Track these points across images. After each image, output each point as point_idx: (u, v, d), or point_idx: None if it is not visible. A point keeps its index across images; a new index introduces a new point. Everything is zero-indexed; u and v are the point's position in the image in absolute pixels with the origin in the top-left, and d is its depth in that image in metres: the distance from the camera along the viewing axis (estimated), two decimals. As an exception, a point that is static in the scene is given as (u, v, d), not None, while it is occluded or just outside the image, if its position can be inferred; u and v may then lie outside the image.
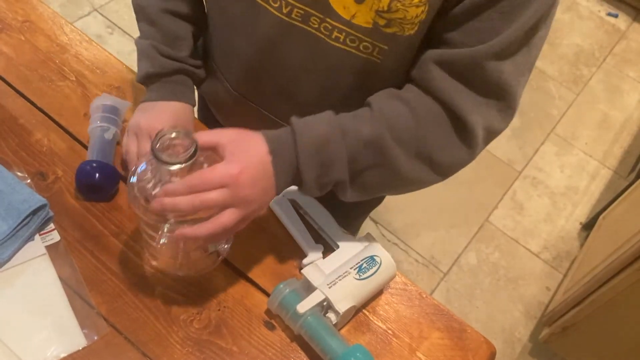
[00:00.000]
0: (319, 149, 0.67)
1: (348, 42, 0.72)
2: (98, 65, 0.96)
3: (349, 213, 0.92)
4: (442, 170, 0.73)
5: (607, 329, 1.58)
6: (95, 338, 0.70)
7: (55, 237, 0.76)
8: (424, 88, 0.71)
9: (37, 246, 0.75)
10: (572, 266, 1.98)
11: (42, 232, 0.76)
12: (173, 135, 0.63)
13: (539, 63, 2.55)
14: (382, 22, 0.68)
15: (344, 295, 0.74)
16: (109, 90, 0.93)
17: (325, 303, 0.73)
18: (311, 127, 0.68)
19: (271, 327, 0.75)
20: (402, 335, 0.78)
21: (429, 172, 0.72)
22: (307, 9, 0.70)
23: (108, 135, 0.84)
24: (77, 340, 0.69)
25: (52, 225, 0.77)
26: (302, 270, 0.76)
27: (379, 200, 1.13)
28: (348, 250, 0.79)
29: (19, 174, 0.80)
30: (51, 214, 0.77)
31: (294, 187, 0.81)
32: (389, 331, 0.78)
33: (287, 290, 0.73)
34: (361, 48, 0.72)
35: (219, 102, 0.95)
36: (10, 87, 0.90)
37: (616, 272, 1.46)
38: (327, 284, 0.73)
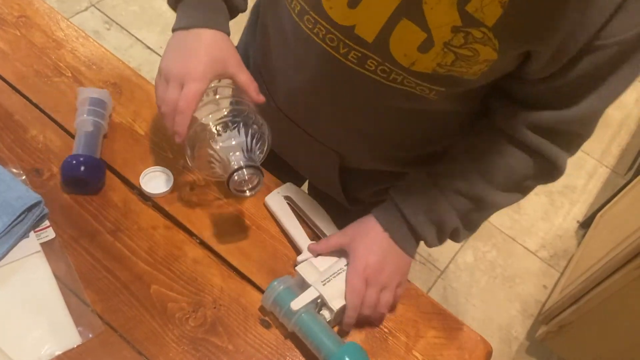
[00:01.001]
0: (426, 213, 0.77)
1: (405, 83, 0.70)
2: (94, 61, 0.95)
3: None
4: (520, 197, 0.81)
5: (603, 328, 1.59)
6: (90, 336, 0.69)
7: (50, 234, 0.76)
8: (514, 140, 0.74)
9: (31, 243, 0.74)
10: (569, 264, 1.98)
11: (37, 229, 0.76)
12: (246, 176, 0.70)
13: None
14: (442, 71, 0.66)
15: (339, 292, 0.73)
16: (105, 87, 0.93)
17: (319, 300, 0.73)
18: (411, 197, 0.78)
19: (267, 326, 0.75)
20: (399, 334, 0.78)
21: (520, 196, 0.80)
22: (365, 52, 0.68)
23: (94, 128, 0.83)
24: (72, 338, 0.69)
25: (47, 222, 0.77)
26: (296, 267, 0.76)
27: None
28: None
29: (14, 170, 0.80)
30: (46, 210, 0.76)
31: (288, 184, 0.83)
32: (385, 329, 0.78)
33: (281, 287, 0.73)
34: (417, 89, 0.70)
35: (262, 113, 0.92)
36: (5, 82, 0.90)
37: (613, 270, 1.46)
38: (322, 281, 0.73)
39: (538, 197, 2.15)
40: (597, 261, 1.60)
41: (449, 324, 0.80)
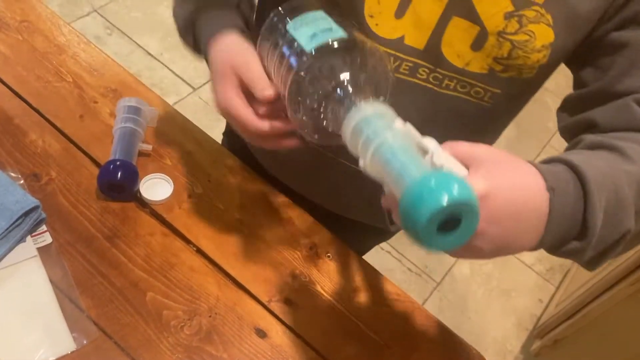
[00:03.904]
0: (609, 190, 0.51)
1: (459, 88, 0.68)
2: (95, 67, 0.96)
3: (364, 239, 0.89)
4: None
5: (598, 343, 1.59)
6: (85, 342, 0.69)
7: (47, 239, 0.76)
8: (633, 129, 0.61)
9: (28, 248, 0.74)
10: (565, 279, 1.98)
11: (33, 233, 0.76)
12: None
13: (536, 75, 2.56)
14: (498, 67, 0.64)
15: (454, 162, 0.49)
16: (106, 93, 0.93)
17: (428, 154, 0.50)
18: (590, 163, 0.52)
19: (262, 335, 0.75)
20: (394, 346, 0.78)
21: None
22: (416, 60, 0.66)
23: (131, 135, 0.85)
24: (66, 344, 0.69)
25: (44, 227, 0.77)
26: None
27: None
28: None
29: (12, 174, 0.80)
30: (43, 215, 0.76)
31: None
32: (381, 341, 0.78)
33: (374, 110, 0.52)
34: (472, 93, 0.68)
35: (279, 154, 0.78)
36: (6, 86, 0.90)
37: (608, 286, 1.46)
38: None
39: (535, 210, 2.16)
40: (592, 276, 1.60)
41: (444, 337, 0.80)
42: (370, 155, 0.49)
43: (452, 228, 0.42)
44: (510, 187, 0.48)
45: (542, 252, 1.75)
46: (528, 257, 2.05)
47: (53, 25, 0.99)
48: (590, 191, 0.49)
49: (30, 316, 0.70)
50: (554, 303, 1.87)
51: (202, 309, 0.75)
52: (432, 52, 0.65)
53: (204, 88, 2.21)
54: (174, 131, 0.91)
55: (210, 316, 0.75)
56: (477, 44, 0.63)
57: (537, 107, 2.42)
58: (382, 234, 1.08)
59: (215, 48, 0.67)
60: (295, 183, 0.90)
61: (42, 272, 0.73)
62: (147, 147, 0.86)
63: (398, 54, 0.66)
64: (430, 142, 0.50)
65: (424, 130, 0.68)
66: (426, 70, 0.67)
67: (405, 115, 0.71)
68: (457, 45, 0.64)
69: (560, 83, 2.78)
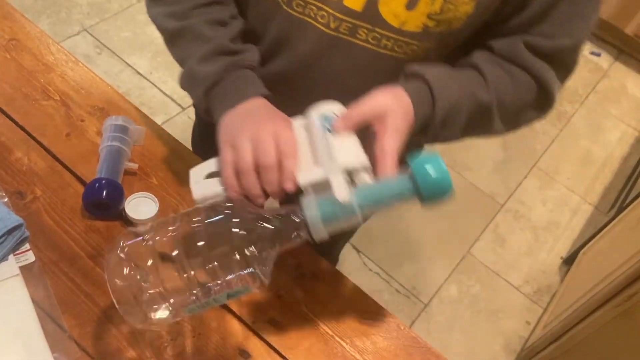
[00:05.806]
0: (450, 112, 0.72)
1: (396, 48, 0.74)
2: (83, 86, 0.96)
3: (329, 245, 0.91)
4: (512, 129, 0.82)
5: (585, 366, 1.58)
6: (66, 363, 0.68)
7: (30, 257, 0.75)
8: (515, 63, 0.76)
9: (10, 266, 0.73)
10: (552, 301, 1.98)
11: (16, 252, 0.75)
12: None
13: (523, 98, 2.59)
14: (431, 24, 0.71)
15: (354, 151, 0.65)
16: (93, 112, 0.93)
17: (347, 177, 0.62)
18: (447, 86, 0.72)
19: (246, 356, 0.74)
20: (379, 368, 0.78)
21: (504, 129, 0.80)
22: (355, 21, 0.72)
23: (117, 154, 0.85)
24: (47, 364, 0.68)
25: (27, 246, 0.76)
26: (301, 184, 0.64)
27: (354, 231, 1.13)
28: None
29: (-4, 192, 0.79)
30: (27, 234, 0.75)
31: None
32: (366, 363, 0.78)
33: (315, 203, 0.60)
34: (409, 52, 0.75)
35: None
36: (-8, 104, 0.90)
37: (595, 308, 1.46)
38: (332, 162, 0.63)
39: (522, 232, 2.16)
40: (579, 298, 1.61)
41: (431, 359, 0.80)
42: (361, 218, 0.60)
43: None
44: (405, 125, 0.68)
45: (529, 275, 1.76)
46: (516, 279, 2.05)
47: (41, 44, 1.00)
48: (436, 111, 0.71)
49: (11, 336, 0.69)
50: (541, 325, 1.87)
51: (186, 329, 0.75)
52: (370, 12, 0.71)
53: (192, 108, 2.21)
54: (160, 150, 0.91)
55: (194, 337, 0.74)
56: (411, 3, 0.69)
57: (524, 130, 2.44)
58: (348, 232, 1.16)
59: (252, 102, 0.73)
60: None
61: (24, 291, 0.72)
62: (133, 166, 0.86)
63: (337, 14, 0.72)
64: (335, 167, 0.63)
65: (365, 90, 0.75)
66: (365, 30, 0.73)
67: (346, 75, 0.79)
68: (392, 4, 0.70)
69: (547, 106, 2.76)
